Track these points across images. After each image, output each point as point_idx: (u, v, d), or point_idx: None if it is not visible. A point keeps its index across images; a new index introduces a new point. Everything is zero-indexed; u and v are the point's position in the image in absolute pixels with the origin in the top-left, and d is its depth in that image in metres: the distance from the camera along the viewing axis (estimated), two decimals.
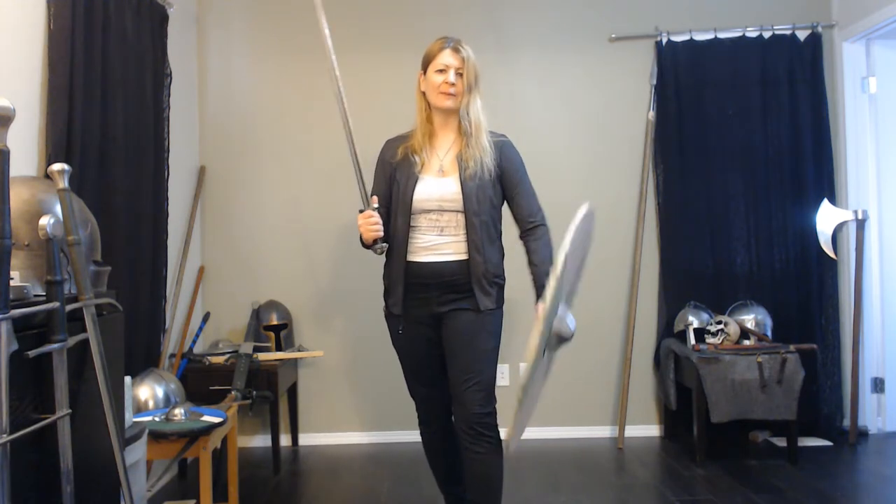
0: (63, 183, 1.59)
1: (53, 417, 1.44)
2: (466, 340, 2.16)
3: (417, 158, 2.23)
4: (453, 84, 2.19)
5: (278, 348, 3.62)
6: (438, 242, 2.19)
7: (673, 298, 3.77)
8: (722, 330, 3.46)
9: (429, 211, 2.19)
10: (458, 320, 2.18)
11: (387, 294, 2.30)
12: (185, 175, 3.68)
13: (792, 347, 3.34)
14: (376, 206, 2.17)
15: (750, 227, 3.78)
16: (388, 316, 2.32)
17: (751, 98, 3.79)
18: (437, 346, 2.25)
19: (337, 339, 3.85)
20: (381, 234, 2.16)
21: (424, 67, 2.26)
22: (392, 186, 2.26)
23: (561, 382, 3.83)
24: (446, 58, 2.21)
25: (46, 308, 1.45)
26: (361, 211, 2.17)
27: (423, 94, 2.27)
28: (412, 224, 2.20)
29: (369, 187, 2.26)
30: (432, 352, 2.26)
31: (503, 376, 3.79)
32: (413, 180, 2.20)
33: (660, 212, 3.84)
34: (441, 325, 2.22)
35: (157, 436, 2.33)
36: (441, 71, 2.20)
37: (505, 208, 2.30)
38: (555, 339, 1.93)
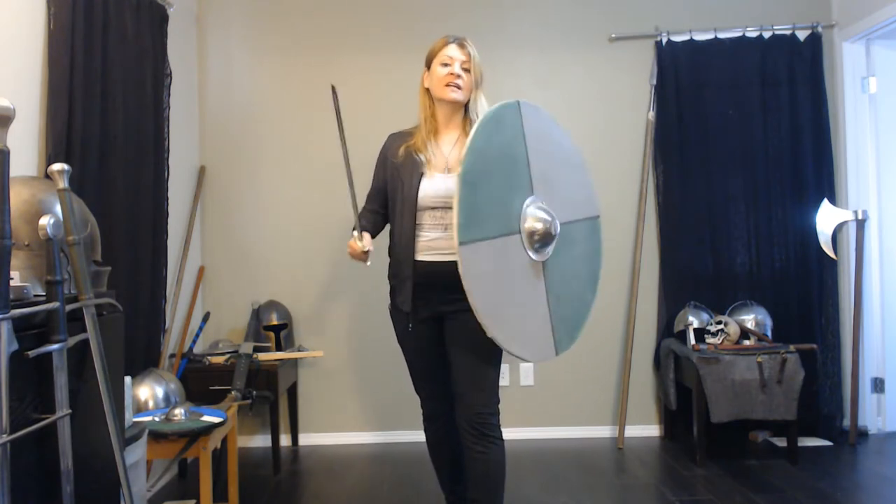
0: (63, 183, 1.59)
1: (53, 417, 1.44)
2: (469, 341, 2.15)
3: (422, 157, 2.22)
4: (459, 76, 2.19)
5: (278, 348, 3.62)
6: (442, 241, 2.18)
7: (673, 298, 3.77)
8: (722, 330, 3.46)
9: (434, 208, 2.18)
10: (461, 321, 2.15)
11: (394, 292, 2.30)
12: (185, 175, 3.68)
13: (792, 347, 3.34)
14: (363, 242, 2.20)
15: (750, 227, 3.78)
16: (396, 313, 2.31)
17: (751, 98, 3.78)
18: (441, 345, 2.25)
19: (337, 339, 3.84)
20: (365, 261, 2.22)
21: (428, 63, 2.27)
22: (396, 184, 2.26)
23: (561, 382, 3.85)
24: (451, 51, 2.22)
25: (46, 308, 1.45)
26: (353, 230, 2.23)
27: (427, 91, 2.28)
28: (417, 222, 2.20)
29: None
30: (437, 349, 2.26)
31: (504, 376, 3.79)
32: (418, 178, 2.20)
33: (660, 212, 3.84)
34: (444, 325, 2.22)
35: (157, 436, 2.33)
36: (446, 64, 2.21)
37: None
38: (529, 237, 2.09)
